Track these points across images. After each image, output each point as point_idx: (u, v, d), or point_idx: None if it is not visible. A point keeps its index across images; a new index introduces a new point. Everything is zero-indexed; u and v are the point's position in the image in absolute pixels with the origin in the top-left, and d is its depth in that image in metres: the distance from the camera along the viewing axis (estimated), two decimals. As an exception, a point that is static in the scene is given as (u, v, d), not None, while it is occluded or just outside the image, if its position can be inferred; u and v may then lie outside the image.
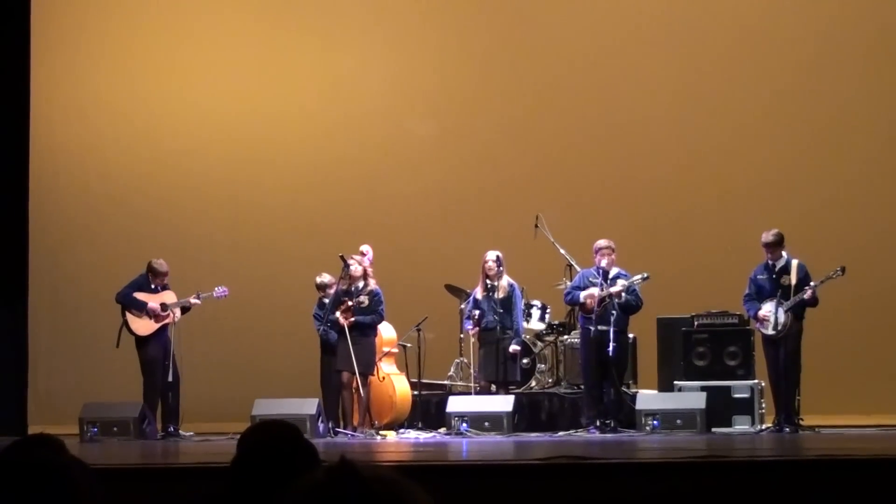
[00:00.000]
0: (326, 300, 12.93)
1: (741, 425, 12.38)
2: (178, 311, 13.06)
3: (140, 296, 13.04)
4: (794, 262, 12.21)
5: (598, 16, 15.50)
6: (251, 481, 3.25)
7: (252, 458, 3.27)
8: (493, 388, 12.95)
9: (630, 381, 13.16)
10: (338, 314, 12.51)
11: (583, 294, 12.50)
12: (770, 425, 12.17)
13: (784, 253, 12.27)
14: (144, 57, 15.90)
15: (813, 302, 12.11)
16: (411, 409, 13.17)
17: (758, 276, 12.31)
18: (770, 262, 12.26)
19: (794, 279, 12.13)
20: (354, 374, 12.39)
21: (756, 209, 14.35)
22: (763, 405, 12.59)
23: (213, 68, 15.89)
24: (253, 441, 3.36)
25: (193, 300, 13.14)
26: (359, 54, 15.82)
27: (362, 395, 12.43)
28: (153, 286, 13.12)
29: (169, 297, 13.13)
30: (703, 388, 12.50)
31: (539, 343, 13.79)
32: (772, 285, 12.18)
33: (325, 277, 13.12)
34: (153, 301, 13.00)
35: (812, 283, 12.05)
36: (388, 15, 15.82)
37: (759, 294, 12.24)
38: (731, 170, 15.00)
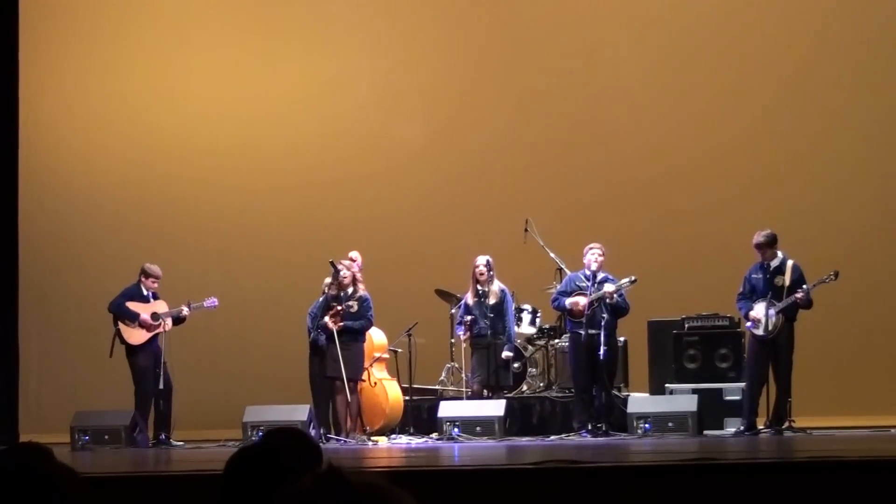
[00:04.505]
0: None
1: (733, 427, 12.37)
2: (168, 321, 13.03)
3: (132, 306, 13.02)
4: (790, 263, 12.18)
5: (587, 20, 15.51)
6: (245, 489, 3.20)
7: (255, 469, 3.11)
8: (486, 392, 12.94)
9: (621, 385, 13.16)
10: (327, 319, 12.50)
11: (568, 301, 12.47)
12: (762, 427, 12.16)
13: (779, 253, 12.23)
14: (132, 66, 15.88)
15: (806, 304, 12.09)
16: (403, 414, 13.16)
17: (752, 276, 12.28)
18: (765, 261, 12.25)
19: (787, 280, 12.11)
20: (343, 380, 12.38)
21: (746, 211, 14.35)
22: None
23: (199, 75, 15.88)
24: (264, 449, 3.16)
25: (185, 310, 13.10)
26: (345, 59, 15.82)
27: (349, 400, 12.42)
28: (145, 293, 13.10)
29: (160, 306, 13.10)
30: (694, 391, 12.51)
31: (530, 347, 13.78)
32: (765, 285, 12.15)
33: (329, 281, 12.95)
34: (145, 312, 12.98)
35: (805, 286, 12.03)
36: (374, 20, 15.82)
37: (752, 293, 12.22)
38: (721, 173, 15.00)
